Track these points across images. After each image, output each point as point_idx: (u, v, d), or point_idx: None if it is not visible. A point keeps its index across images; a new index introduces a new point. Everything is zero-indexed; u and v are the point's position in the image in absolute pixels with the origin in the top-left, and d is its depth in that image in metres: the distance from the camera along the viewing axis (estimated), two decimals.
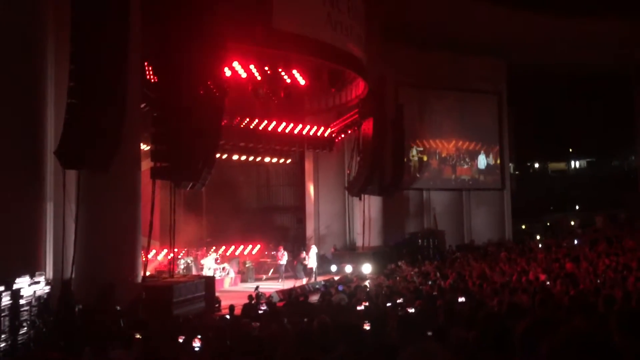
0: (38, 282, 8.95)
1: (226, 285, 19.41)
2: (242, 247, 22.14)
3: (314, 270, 20.89)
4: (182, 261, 19.00)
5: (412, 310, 8.67)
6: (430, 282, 14.29)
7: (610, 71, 32.18)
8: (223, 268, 19.72)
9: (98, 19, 11.46)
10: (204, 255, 19.89)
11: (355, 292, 13.47)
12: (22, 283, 8.16)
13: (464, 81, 29.33)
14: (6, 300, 7.46)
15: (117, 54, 11.78)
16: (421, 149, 29.23)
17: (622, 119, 35.68)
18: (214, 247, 20.50)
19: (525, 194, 37.30)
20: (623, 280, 11.16)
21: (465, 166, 30.36)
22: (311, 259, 20.90)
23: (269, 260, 22.18)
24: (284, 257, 20.87)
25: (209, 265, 18.98)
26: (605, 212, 35.02)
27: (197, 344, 6.65)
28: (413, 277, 16.95)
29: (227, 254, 21.40)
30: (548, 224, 38.56)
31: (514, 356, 3.08)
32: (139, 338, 7.22)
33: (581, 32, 26.74)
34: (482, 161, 30.71)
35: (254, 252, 22.42)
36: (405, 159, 27.20)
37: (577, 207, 41.69)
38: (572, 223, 37.14)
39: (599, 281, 11.58)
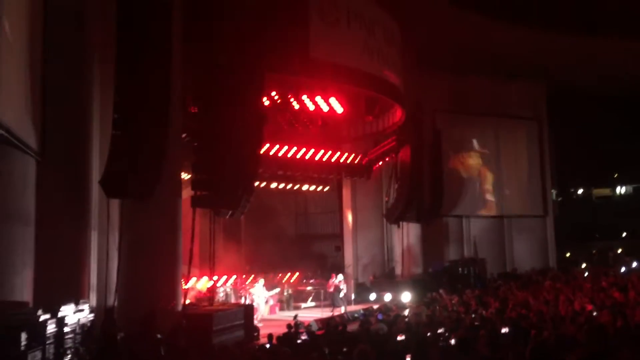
0: (82, 310, 9.09)
1: (265, 313, 19.35)
2: (279, 274, 22.13)
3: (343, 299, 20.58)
4: (222, 289, 19.03)
5: (453, 341, 8.47)
6: (472, 314, 13.94)
7: None
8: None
9: (141, 52, 11.82)
10: (244, 283, 19.90)
11: (395, 321, 13.25)
12: (67, 311, 8.30)
13: (503, 106, 29.03)
14: (51, 328, 7.59)
15: (160, 86, 12.10)
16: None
17: None
18: (252, 275, 20.53)
19: (569, 220, 36.26)
20: None
21: (507, 192, 29.79)
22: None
23: (308, 288, 22.09)
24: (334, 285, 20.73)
25: (258, 293, 18.85)
26: None
27: None
28: (454, 306, 16.59)
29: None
30: (593, 251, 37.34)
31: None
32: None
33: (624, 51, 26.20)
34: (520, 187, 30.09)
35: (292, 280, 22.38)
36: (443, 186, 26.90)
37: (623, 234, 40.29)
38: (619, 251, 35.87)
39: None
